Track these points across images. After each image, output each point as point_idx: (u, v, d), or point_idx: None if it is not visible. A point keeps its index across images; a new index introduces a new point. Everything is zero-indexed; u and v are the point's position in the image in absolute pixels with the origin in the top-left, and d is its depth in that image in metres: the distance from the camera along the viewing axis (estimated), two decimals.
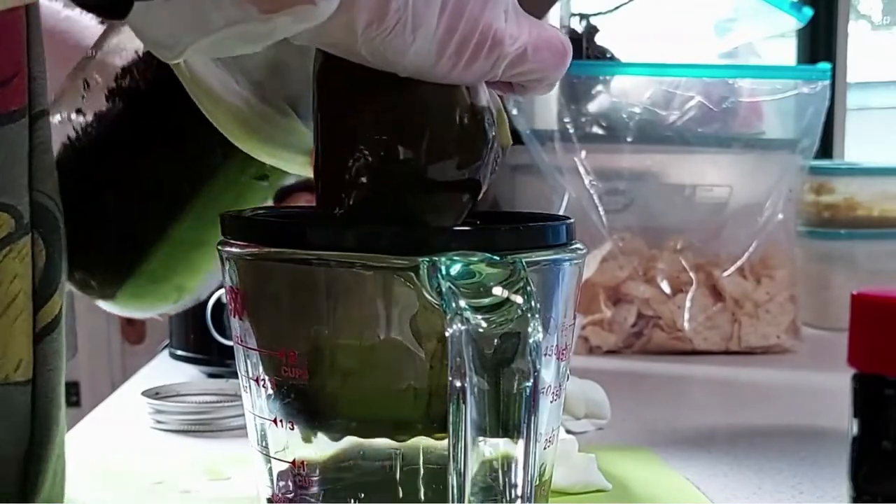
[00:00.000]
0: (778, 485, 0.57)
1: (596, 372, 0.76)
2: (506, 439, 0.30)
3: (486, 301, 0.31)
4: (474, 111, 0.35)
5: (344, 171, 0.35)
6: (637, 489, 0.55)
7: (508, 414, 0.30)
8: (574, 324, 0.38)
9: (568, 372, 0.38)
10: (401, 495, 0.36)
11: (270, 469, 0.37)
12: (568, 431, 0.64)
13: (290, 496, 0.37)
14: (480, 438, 0.30)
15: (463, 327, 0.30)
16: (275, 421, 0.36)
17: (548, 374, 0.36)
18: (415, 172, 0.35)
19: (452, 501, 0.30)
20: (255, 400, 0.37)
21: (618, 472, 0.57)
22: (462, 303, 0.30)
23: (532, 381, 0.30)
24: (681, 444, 0.65)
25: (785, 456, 0.62)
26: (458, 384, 0.30)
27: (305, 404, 0.36)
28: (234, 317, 0.37)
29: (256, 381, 0.36)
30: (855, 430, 0.37)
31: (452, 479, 0.30)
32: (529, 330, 0.30)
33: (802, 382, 0.87)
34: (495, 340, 0.30)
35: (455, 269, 0.31)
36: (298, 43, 0.33)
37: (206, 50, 0.33)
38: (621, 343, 0.96)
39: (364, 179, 0.35)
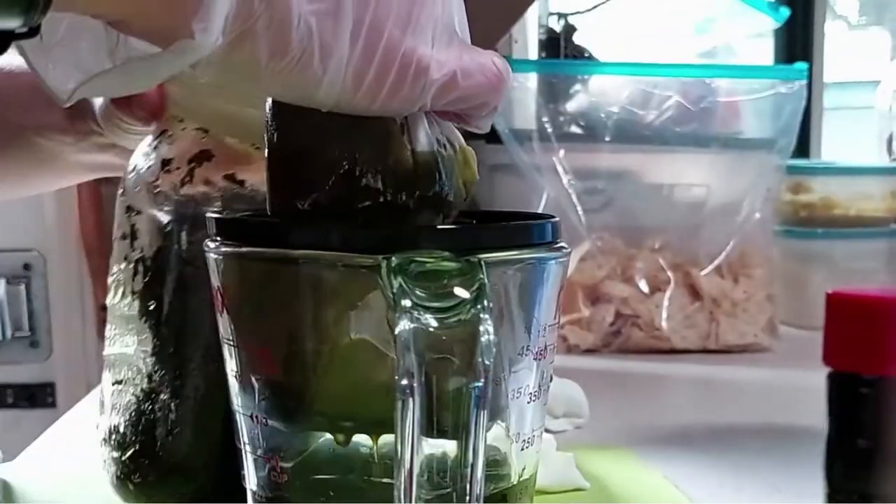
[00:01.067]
0: (755, 482, 0.57)
1: (574, 371, 0.76)
2: (454, 439, 0.30)
3: (439, 299, 0.30)
4: (414, 156, 0.35)
5: (288, 202, 0.36)
6: (615, 488, 0.55)
7: (456, 414, 0.30)
8: (556, 323, 0.38)
9: (551, 372, 0.38)
10: (374, 493, 0.36)
11: (248, 465, 0.37)
12: (546, 430, 0.64)
13: (267, 492, 0.37)
14: (426, 438, 0.29)
15: (411, 325, 0.30)
16: (252, 417, 0.36)
17: (528, 375, 0.36)
18: (357, 214, 0.35)
19: (400, 501, 0.30)
20: (234, 396, 0.37)
21: (596, 471, 0.57)
22: (412, 300, 0.30)
23: (482, 381, 0.30)
24: (659, 443, 0.65)
25: (762, 454, 0.63)
26: (405, 382, 0.30)
27: (280, 401, 0.36)
28: (218, 314, 0.37)
29: (235, 377, 0.37)
30: (830, 428, 0.37)
31: (399, 479, 0.30)
32: (481, 329, 0.30)
33: (780, 381, 0.87)
34: (443, 338, 0.30)
35: (410, 267, 0.31)
36: (208, 80, 0.33)
37: (97, 90, 0.33)
38: (600, 342, 0.96)
39: (306, 212, 0.35)
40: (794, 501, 0.54)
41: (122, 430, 0.46)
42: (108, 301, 0.49)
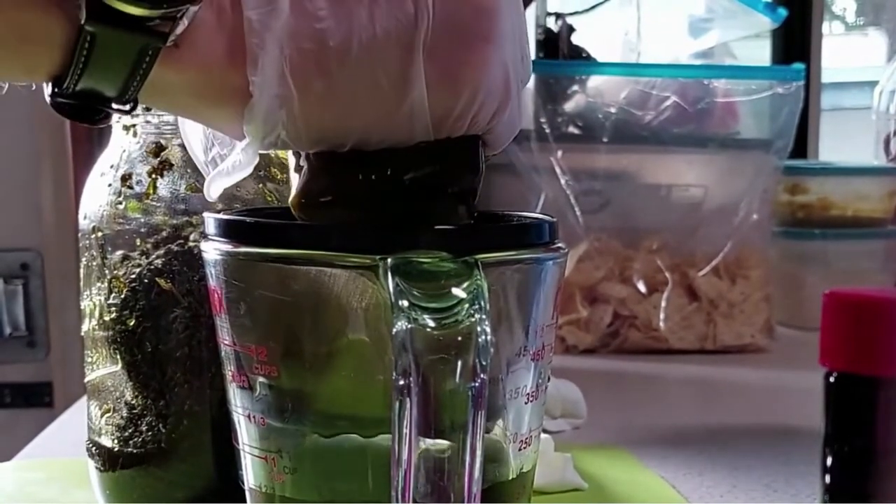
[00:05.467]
0: (752, 483, 0.57)
1: (572, 371, 0.76)
2: (451, 439, 0.30)
3: (437, 300, 0.31)
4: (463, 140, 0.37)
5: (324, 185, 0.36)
6: (613, 488, 0.55)
7: (453, 414, 0.30)
8: (554, 323, 0.38)
9: (549, 373, 0.38)
10: (372, 493, 0.36)
11: (245, 463, 0.37)
12: (544, 431, 0.64)
13: (265, 491, 0.37)
14: (423, 438, 0.30)
15: (409, 325, 0.30)
16: (249, 417, 0.36)
17: (526, 376, 0.36)
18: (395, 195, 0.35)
19: (397, 500, 0.30)
20: (231, 396, 0.37)
21: (594, 472, 0.57)
22: (409, 301, 0.30)
23: (479, 381, 0.30)
24: (656, 443, 0.65)
25: (759, 454, 0.63)
26: (402, 382, 0.30)
27: (276, 400, 0.36)
28: (215, 314, 0.37)
29: (232, 376, 0.37)
30: (826, 428, 0.37)
31: (396, 478, 0.30)
32: (478, 330, 0.30)
33: (776, 381, 0.88)
34: (440, 339, 0.30)
35: (408, 267, 0.31)
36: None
37: (234, 181, 0.37)
38: (597, 343, 0.96)
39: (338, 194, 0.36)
40: (791, 502, 0.54)
41: (115, 450, 0.47)
42: (84, 329, 0.48)
